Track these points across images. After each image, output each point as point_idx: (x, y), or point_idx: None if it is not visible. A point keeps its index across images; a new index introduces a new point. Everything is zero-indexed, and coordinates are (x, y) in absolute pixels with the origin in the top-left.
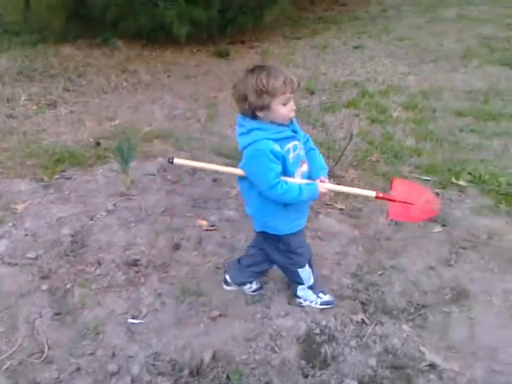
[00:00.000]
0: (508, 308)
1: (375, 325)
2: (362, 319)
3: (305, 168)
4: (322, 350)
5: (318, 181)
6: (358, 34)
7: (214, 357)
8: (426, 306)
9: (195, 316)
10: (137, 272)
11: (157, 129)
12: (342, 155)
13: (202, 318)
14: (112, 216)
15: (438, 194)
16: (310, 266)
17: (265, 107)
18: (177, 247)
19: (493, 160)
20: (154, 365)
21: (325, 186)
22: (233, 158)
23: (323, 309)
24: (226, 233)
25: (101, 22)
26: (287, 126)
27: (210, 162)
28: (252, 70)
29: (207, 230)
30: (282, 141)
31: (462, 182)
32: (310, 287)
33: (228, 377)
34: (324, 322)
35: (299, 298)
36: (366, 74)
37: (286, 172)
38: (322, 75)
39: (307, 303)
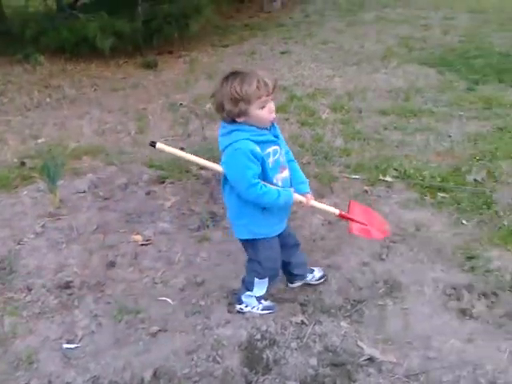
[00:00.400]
0: (438, 296)
1: (314, 324)
2: (302, 320)
3: (285, 174)
4: (264, 356)
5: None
6: (284, 39)
7: (155, 374)
8: (361, 301)
9: (134, 334)
10: (70, 294)
11: (85, 144)
12: None
13: (141, 335)
14: (41, 238)
15: (366, 191)
16: (270, 282)
17: (242, 114)
18: (112, 265)
19: (416, 155)
20: None
21: (297, 197)
22: (165, 170)
23: (264, 314)
24: (161, 246)
25: (21, 37)
26: (268, 130)
27: (141, 173)
28: (226, 78)
29: (142, 244)
30: (263, 144)
31: (388, 178)
32: (256, 297)
33: None
34: (264, 327)
35: (241, 303)
36: (294, 79)
37: (264, 176)
38: None
39: (248, 309)
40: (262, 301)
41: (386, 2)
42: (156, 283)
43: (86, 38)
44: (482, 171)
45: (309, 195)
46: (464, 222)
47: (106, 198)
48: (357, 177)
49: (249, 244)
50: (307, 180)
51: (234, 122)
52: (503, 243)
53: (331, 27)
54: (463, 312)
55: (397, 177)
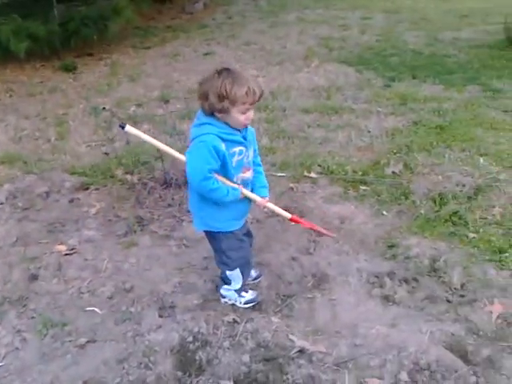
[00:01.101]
0: (362, 285)
1: (246, 322)
2: (233, 319)
3: (247, 175)
4: (197, 357)
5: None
6: (207, 40)
7: None
8: (291, 295)
9: (61, 347)
10: None
11: (1, 153)
12: None
13: (69, 348)
14: None
15: (292, 188)
16: (243, 272)
17: (223, 111)
18: (34, 277)
19: (339, 151)
20: None
21: (244, 191)
22: (88, 176)
23: (247, 307)
24: (87, 255)
25: None
26: (240, 131)
27: (62, 181)
28: (219, 73)
29: (66, 254)
30: (230, 142)
31: (313, 175)
32: (235, 290)
33: None
34: (196, 329)
35: (223, 297)
36: None
37: (226, 173)
38: (176, 83)
39: (231, 302)
40: (243, 293)
41: (307, 4)
42: (82, 293)
43: None
44: (399, 164)
45: (267, 199)
46: (384, 212)
47: (25, 209)
48: (283, 174)
49: (208, 236)
50: (267, 185)
51: (211, 114)
52: (421, 231)
53: (253, 28)
54: (386, 298)
55: (321, 173)
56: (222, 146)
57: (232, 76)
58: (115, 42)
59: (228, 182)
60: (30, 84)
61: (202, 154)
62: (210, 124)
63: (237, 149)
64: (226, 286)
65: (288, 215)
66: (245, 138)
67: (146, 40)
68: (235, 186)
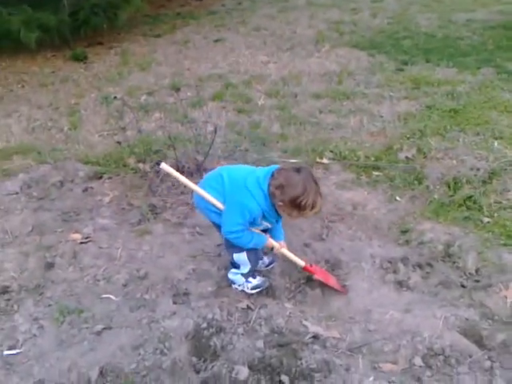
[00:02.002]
0: (376, 271)
1: (260, 308)
2: (247, 305)
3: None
4: (212, 343)
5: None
6: (217, 27)
7: (101, 372)
8: (304, 282)
9: (78, 334)
10: (8, 300)
11: (15, 144)
12: (209, 149)
13: (86, 334)
14: None
15: None
16: (249, 257)
17: (285, 211)
18: (50, 266)
19: (351, 136)
20: None
21: (271, 241)
22: (101, 165)
23: (254, 292)
24: (102, 243)
25: None
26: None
27: (76, 170)
28: (305, 181)
29: (82, 242)
30: (265, 219)
31: (325, 161)
32: (243, 274)
33: None
34: (210, 315)
35: (233, 283)
36: (229, 66)
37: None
38: (186, 71)
39: (241, 288)
40: (250, 278)
41: None
42: (98, 281)
43: (9, 33)
44: (413, 149)
45: (282, 243)
46: (397, 198)
47: (40, 198)
48: (295, 161)
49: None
50: (283, 233)
51: (270, 195)
52: (434, 216)
53: (263, 14)
54: (400, 284)
55: (333, 159)
56: (259, 218)
57: (314, 194)
58: (125, 30)
59: (255, 229)
60: (42, 74)
61: (241, 214)
62: (265, 198)
63: (267, 223)
64: (233, 270)
65: (302, 263)
66: (276, 221)
67: (155, 28)
68: (261, 233)
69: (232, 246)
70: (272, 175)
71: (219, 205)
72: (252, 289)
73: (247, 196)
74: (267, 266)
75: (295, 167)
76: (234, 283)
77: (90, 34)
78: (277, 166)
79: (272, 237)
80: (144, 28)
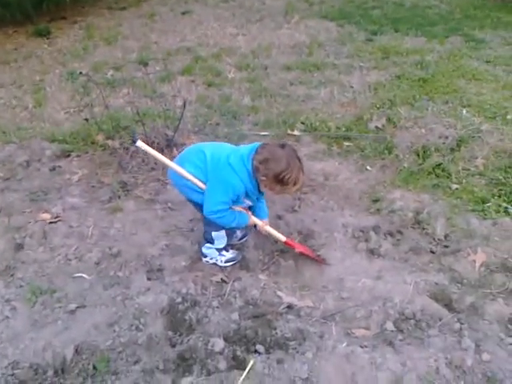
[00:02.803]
0: (348, 240)
1: (234, 281)
2: (221, 278)
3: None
4: (187, 317)
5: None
6: None
7: (76, 351)
8: (278, 253)
9: (51, 314)
10: None
11: None
12: (179, 123)
13: (59, 314)
14: None
15: None
16: (228, 234)
17: (268, 186)
18: (20, 247)
19: (322, 107)
20: (12, 374)
21: (254, 219)
22: (68, 143)
23: (227, 266)
24: (72, 222)
25: None
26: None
27: (43, 149)
28: (288, 156)
29: (51, 222)
30: (248, 197)
31: (296, 132)
32: (217, 248)
33: (94, 367)
34: (185, 290)
35: (205, 256)
36: (198, 39)
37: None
38: (154, 44)
39: (213, 261)
40: (224, 252)
41: None
42: (69, 260)
43: None
44: (382, 118)
45: (265, 220)
46: (368, 167)
47: (6, 179)
48: (266, 133)
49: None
50: (267, 211)
51: (254, 171)
52: (404, 184)
53: None
54: (372, 252)
55: (304, 130)
56: (242, 196)
57: (296, 170)
58: (89, 3)
59: (237, 208)
60: (4, 51)
61: (224, 192)
62: (248, 175)
63: (248, 201)
64: (208, 245)
65: (283, 238)
66: (258, 200)
67: (121, 0)
68: (243, 210)
69: (212, 224)
70: (256, 151)
71: (200, 184)
72: (226, 262)
73: (231, 173)
74: (240, 239)
75: (279, 143)
76: (206, 256)
77: (53, 8)
78: (261, 143)
79: (256, 215)
80: (109, 1)
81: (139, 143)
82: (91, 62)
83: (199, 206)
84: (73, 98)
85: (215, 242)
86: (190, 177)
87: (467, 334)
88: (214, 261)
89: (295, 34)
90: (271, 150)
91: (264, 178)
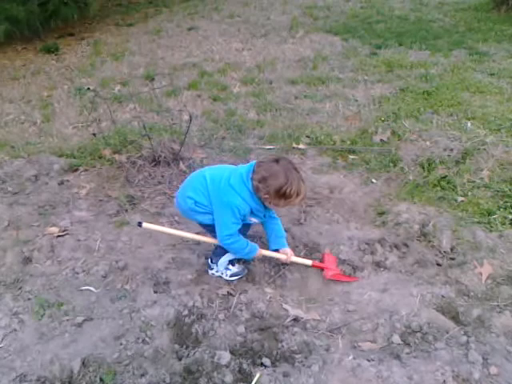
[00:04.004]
0: (354, 252)
1: (240, 294)
2: (228, 291)
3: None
4: (193, 330)
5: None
6: (190, 15)
7: (83, 364)
8: (284, 266)
9: (59, 327)
10: None
11: None
12: (185, 138)
13: (67, 327)
14: None
15: None
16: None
17: (272, 202)
18: (28, 260)
19: (326, 121)
20: None
21: (263, 252)
22: (76, 158)
23: (233, 280)
24: (79, 235)
25: None
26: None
27: (51, 164)
28: (285, 170)
29: (59, 236)
30: (254, 215)
31: (301, 146)
32: (230, 261)
33: (101, 379)
34: (191, 303)
35: (211, 268)
36: (203, 55)
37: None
38: (160, 60)
39: (218, 274)
40: (230, 266)
41: None
42: (77, 273)
43: None
44: (387, 131)
45: (288, 250)
46: (373, 180)
47: (15, 193)
48: (271, 147)
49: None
50: (285, 235)
51: (255, 190)
52: (410, 197)
53: (236, 1)
54: (378, 264)
55: (309, 144)
56: (248, 215)
57: (297, 181)
58: (96, 20)
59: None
60: (13, 67)
61: (231, 213)
62: (250, 194)
63: (255, 220)
64: (220, 259)
65: (309, 262)
66: (264, 216)
67: (128, 17)
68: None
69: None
70: (253, 170)
71: (211, 240)
72: (231, 276)
73: (233, 194)
74: None
75: (273, 158)
76: (212, 269)
77: (61, 25)
78: (256, 161)
79: (274, 242)
80: (116, 17)
81: (145, 225)
82: (98, 77)
83: (211, 227)
84: (80, 113)
85: (227, 253)
86: (201, 238)
87: (474, 347)
88: (219, 274)
89: (300, 49)
90: (267, 167)
91: (267, 196)
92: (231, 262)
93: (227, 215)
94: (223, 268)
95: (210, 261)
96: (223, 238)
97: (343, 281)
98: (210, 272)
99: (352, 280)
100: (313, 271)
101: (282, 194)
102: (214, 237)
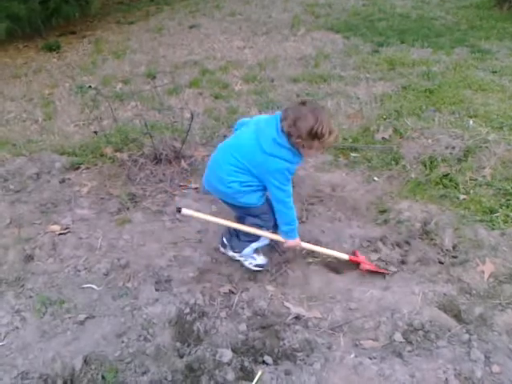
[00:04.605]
0: (356, 248)
1: (242, 292)
2: (229, 289)
3: None
4: (195, 328)
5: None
6: (192, 13)
7: (85, 361)
8: (285, 264)
9: (61, 324)
10: None
11: None
12: (187, 136)
13: (68, 324)
14: None
15: None
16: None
17: (306, 146)
18: (30, 258)
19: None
20: None
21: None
22: (78, 156)
23: (256, 270)
24: (81, 233)
25: None
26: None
27: (53, 162)
28: (313, 110)
29: (61, 234)
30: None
31: None
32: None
33: (103, 377)
34: (193, 301)
35: (237, 251)
36: (205, 53)
37: None
38: (162, 58)
39: (242, 259)
40: (255, 255)
41: None
42: (79, 271)
43: None
44: (389, 129)
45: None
46: (375, 178)
47: (17, 191)
48: None
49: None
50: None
51: (288, 137)
52: (412, 195)
53: None
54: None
55: None
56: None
57: (326, 119)
58: (98, 18)
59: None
60: (14, 65)
61: (285, 178)
62: (290, 152)
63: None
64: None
65: (346, 257)
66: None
67: (129, 15)
68: None
69: (258, 225)
70: (280, 120)
71: (250, 229)
72: (255, 266)
73: (277, 161)
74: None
75: (299, 101)
76: (239, 252)
77: (62, 22)
78: (277, 114)
79: None
80: (117, 15)
81: (184, 210)
82: (100, 75)
83: (251, 210)
84: (82, 111)
85: (259, 238)
86: (238, 226)
87: (476, 346)
88: (243, 259)
89: (301, 47)
90: (295, 110)
91: (299, 140)
92: (256, 251)
93: (279, 179)
94: (249, 256)
95: (226, 241)
96: (285, 199)
97: (379, 272)
98: (238, 255)
99: (386, 273)
100: (315, 270)
101: (314, 134)
102: (254, 222)
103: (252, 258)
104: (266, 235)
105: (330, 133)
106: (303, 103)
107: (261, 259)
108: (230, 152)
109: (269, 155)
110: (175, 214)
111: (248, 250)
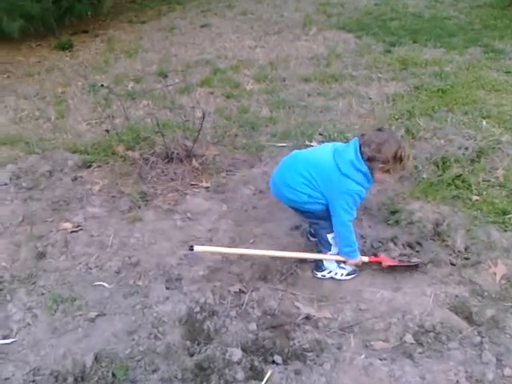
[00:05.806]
0: (367, 251)
1: (252, 291)
2: (240, 289)
3: None
4: (205, 327)
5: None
6: (203, 12)
7: (96, 358)
8: (296, 264)
9: (72, 322)
10: (1, 290)
11: (3, 135)
12: (198, 135)
13: (80, 322)
14: None
15: None
16: None
17: (385, 170)
18: (42, 255)
19: (340, 119)
20: (33, 381)
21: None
22: (90, 154)
23: (350, 278)
24: (93, 231)
25: None
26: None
27: (65, 160)
28: (393, 135)
29: (73, 231)
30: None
31: (314, 143)
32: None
33: (114, 374)
34: (203, 300)
35: (323, 269)
36: (216, 52)
37: None
38: (173, 57)
39: (330, 275)
40: (343, 264)
41: None
42: (90, 269)
43: None
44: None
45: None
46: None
47: (29, 189)
48: (284, 144)
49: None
50: None
51: (367, 162)
52: (424, 196)
53: None
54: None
55: (322, 141)
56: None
57: (403, 142)
58: (110, 17)
59: None
60: (27, 64)
61: (352, 201)
62: (364, 177)
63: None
64: (328, 255)
65: (366, 259)
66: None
67: (141, 14)
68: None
69: (324, 227)
70: (360, 146)
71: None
72: (347, 275)
73: (350, 182)
74: None
75: (375, 129)
76: (324, 270)
77: (75, 21)
78: (355, 139)
79: None
80: (129, 14)
81: (196, 248)
82: (112, 74)
83: (313, 214)
84: (94, 109)
85: (331, 247)
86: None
87: (488, 348)
88: (331, 275)
89: (313, 46)
90: (376, 137)
91: (383, 165)
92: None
93: (348, 201)
94: (336, 267)
95: (315, 264)
96: (348, 222)
97: (404, 265)
98: (320, 274)
99: (412, 265)
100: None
101: (398, 158)
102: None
103: (341, 269)
104: (328, 258)
105: (409, 157)
106: (380, 129)
107: (349, 266)
108: (304, 165)
109: (344, 176)
110: (186, 213)
111: (329, 264)
